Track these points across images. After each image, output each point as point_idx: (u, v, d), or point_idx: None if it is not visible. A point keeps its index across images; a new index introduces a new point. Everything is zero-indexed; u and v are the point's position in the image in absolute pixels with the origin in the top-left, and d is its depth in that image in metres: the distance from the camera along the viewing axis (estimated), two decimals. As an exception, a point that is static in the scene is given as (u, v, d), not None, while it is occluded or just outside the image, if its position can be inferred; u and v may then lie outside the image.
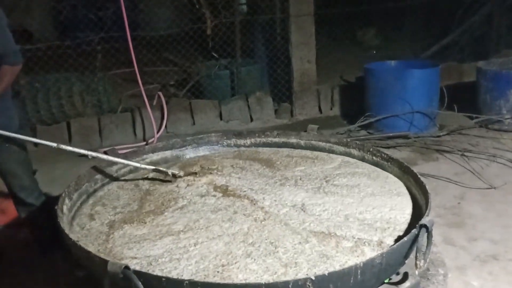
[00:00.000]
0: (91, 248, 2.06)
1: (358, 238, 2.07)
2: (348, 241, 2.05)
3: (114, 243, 2.13)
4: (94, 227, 2.30)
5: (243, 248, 2.01)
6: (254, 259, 1.93)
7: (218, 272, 1.86)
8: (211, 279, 1.82)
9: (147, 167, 2.81)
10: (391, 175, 2.69)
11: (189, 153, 3.22)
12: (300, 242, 2.04)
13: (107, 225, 2.30)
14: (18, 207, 3.41)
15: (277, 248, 2.00)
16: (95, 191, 2.71)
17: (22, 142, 3.26)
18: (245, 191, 2.57)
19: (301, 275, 1.80)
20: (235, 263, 1.91)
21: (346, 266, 1.81)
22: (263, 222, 2.22)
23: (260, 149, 3.24)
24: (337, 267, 1.85)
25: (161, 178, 2.78)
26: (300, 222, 2.22)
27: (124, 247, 2.08)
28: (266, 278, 1.81)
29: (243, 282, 1.80)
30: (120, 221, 2.32)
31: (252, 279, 1.81)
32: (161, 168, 2.77)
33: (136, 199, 2.57)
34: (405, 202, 2.39)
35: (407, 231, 2.09)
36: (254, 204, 2.41)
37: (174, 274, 1.85)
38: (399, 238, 2.03)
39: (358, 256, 1.94)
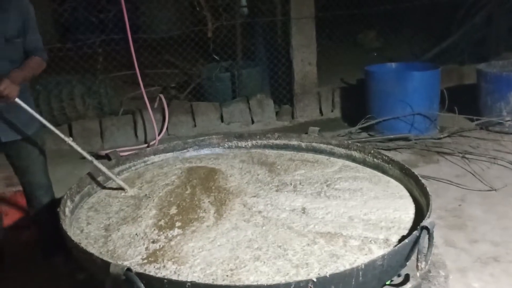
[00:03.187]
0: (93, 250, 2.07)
1: (364, 237, 2.10)
2: (355, 240, 2.08)
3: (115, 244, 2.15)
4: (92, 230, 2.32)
5: (250, 253, 2.02)
6: (264, 262, 1.94)
7: (227, 276, 1.86)
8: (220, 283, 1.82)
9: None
10: (392, 180, 2.70)
11: (190, 154, 3.24)
12: (308, 244, 2.05)
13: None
14: (31, 205, 3.41)
15: (286, 250, 2.01)
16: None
17: (42, 140, 3.33)
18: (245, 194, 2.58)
19: (313, 275, 1.81)
20: (244, 266, 1.92)
21: (353, 265, 1.82)
22: (264, 228, 2.22)
23: (266, 151, 3.25)
24: (347, 266, 1.87)
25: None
26: (303, 225, 2.23)
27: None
28: (278, 279, 1.81)
29: (246, 284, 1.80)
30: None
31: (263, 281, 1.81)
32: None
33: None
34: (408, 204, 2.41)
35: (411, 230, 2.11)
36: (249, 209, 2.42)
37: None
38: (404, 236, 2.06)
39: (366, 254, 1.96)
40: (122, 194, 2.68)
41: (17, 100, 2.85)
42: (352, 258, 1.94)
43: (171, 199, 2.57)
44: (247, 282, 1.80)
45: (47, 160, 3.41)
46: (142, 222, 2.32)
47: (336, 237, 2.10)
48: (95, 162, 2.75)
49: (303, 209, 2.38)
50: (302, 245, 2.04)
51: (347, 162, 2.97)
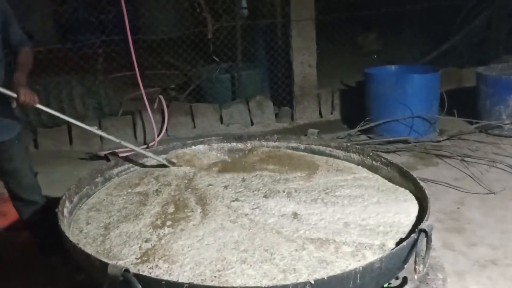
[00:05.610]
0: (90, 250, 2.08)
1: (359, 243, 2.07)
2: (348, 246, 2.05)
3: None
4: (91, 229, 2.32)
5: (236, 254, 2.02)
6: (251, 265, 1.93)
7: (215, 277, 1.86)
8: (209, 284, 1.82)
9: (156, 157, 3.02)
10: (401, 188, 2.63)
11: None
12: (296, 249, 2.03)
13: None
14: (21, 208, 3.39)
15: (273, 255, 2.00)
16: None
17: (26, 141, 3.32)
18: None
19: (301, 281, 1.80)
20: (231, 268, 1.92)
21: (351, 268, 1.81)
22: (251, 230, 2.22)
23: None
24: (338, 272, 1.84)
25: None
26: (293, 230, 2.22)
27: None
28: (266, 283, 1.81)
29: (243, 285, 1.80)
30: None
31: (251, 284, 1.81)
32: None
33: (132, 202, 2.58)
34: (411, 207, 2.36)
35: (409, 234, 2.10)
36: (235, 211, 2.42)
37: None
38: (401, 240, 2.04)
39: (359, 260, 1.94)
40: (129, 190, 2.70)
41: (38, 105, 2.95)
42: (344, 265, 1.91)
43: (171, 198, 2.58)
44: (235, 285, 1.81)
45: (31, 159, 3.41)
46: (142, 220, 2.33)
47: (328, 243, 2.07)
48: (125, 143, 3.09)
49: (295, 214, 2.37)
50: (290, 250, 2.02)
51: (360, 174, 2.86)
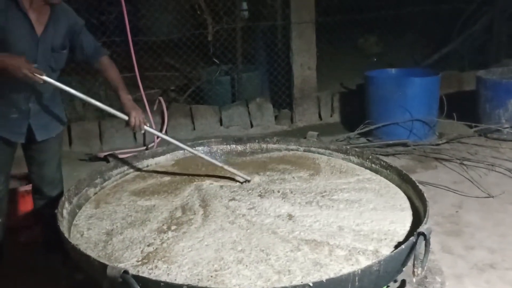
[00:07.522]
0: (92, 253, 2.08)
1: (352, 247, 2.06)
2: (342, 250, 2.04)
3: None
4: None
5: (234, 254, 2.03)
6: (246, 266, 1.94)
7: (211, 277, 1.87)
8: (205, 284, 1.83)
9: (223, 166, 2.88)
10: (400, 191, 2.63)
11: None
12: (291, 250, 2.04)
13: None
14: (38, 201, 3.42)
15: (269, 255, 2.01)
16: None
17: (62, 137, 3.48)
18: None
19: (295, 283, 1.80)
20: (228, 268, 1.92)
21: (350, 271, 1.80)
22: (248, 230, 2.23)
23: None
24: (331, 275, 1.84)
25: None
26: (289, 231, 2.22)
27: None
28: (260, 285, 1.81)
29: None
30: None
31: (246, 285, 1.81)
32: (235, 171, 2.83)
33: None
34: (407, 216, 2.35)
35: (405, 241, 2.09)
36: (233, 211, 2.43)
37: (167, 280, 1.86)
38: (396, 247, 2.04)
39: (352, 265, 1.93)
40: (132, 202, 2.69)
41: (146, 128, 3.03)
42: (337, 268, 1.91)
43: (180, 202, 2.59)
44: (229, 285, 1.82)
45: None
46: (147, 226, 2.33)
47: (322, 245, 2.07)
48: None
49: (290, 215, 2.37)
50: (286, 251, 2.03)
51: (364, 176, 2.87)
